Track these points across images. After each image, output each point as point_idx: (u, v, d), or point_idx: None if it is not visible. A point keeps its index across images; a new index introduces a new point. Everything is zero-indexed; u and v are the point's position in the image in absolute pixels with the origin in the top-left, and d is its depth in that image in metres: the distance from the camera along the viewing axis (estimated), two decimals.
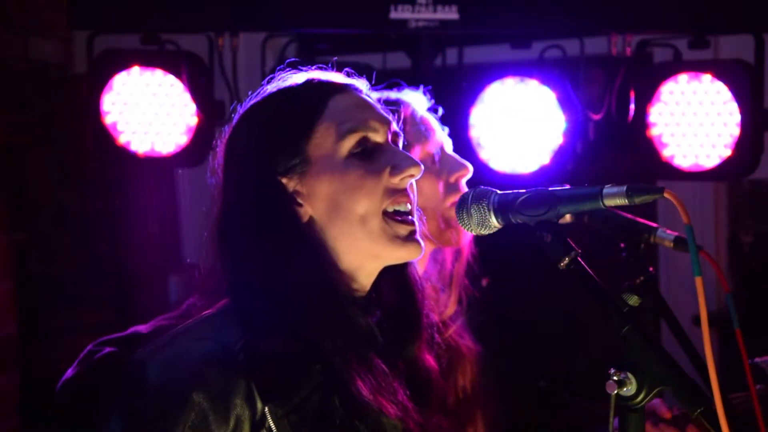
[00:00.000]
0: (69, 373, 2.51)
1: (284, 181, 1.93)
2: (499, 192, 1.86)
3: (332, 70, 2.07)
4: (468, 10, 3.52)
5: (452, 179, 2.63)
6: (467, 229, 1.88)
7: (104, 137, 3.70)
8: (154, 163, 3.80)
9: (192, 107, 3.68)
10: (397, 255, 1.94)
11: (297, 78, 2.04)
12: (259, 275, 1.88)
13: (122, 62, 3.68)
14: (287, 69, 2.07)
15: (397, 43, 3.86)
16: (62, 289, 4.61)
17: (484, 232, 1.87)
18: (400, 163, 1.93)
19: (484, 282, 4.51)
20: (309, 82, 2.02)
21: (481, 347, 2.84)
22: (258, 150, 1.95)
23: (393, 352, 1.99)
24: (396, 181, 1.92)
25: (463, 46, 3.97)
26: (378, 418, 1.87)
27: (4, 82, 4.43)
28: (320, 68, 2.06)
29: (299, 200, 1.92)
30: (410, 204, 1.95)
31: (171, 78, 3.67)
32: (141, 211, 4.57)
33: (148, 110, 3.70)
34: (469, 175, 2.64)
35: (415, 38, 3.73)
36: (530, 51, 3.79)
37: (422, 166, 1.95)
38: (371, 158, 1.93)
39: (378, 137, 1.95)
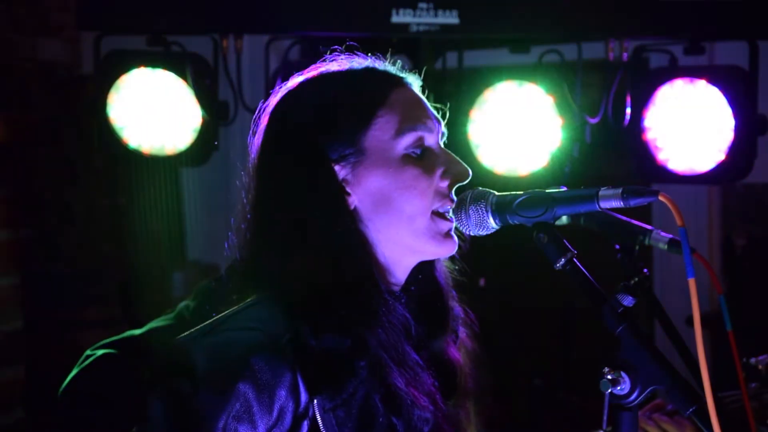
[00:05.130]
0: (69, 376, 2.55)
1: (336, 168, 1.91)
2: (497, 193, 1.89)
3: (385, 60, 2.04)
4: (468, 15, 3.56)
5: None
6: (465, 230, 1.91)
7: (110, 136, 3.74)
8: (159, 162, 3.84)
9: (196, 108, 3.72)
10: (436, 251, 1.95)
11: (355, 62, 2.00)
12: (307, 266, 1.87)
13: (128, 63, 3.72)
14: (345, 52, 2.02)
15: (398, 46, 3.88)
16: (67, 286, 4.63)
17: (482, 232, 1.90)
18: (451, 167, 1.94)
19: (481, 282, 4.56)
20: (371, 70, 1.99)
21: (477, 345, 2.86)
22: (313, 134, 1.91)
23: (422, 343, 2.00)
24: (445, 184, 1.93)
25: (463, 50, 4.00)
26: (411, 413, 1.88)
27: (12, 81, 4.46)
28: (377, 57, 2.03)
29: (347, 189, 1.91)
30: (452, 204, 1.95)
31: (176, 79, 3.72)
32: (146, 209, 4.59)
33: (154, 110, 3.73)
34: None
35: (416, 42, 3.76)
36: (529, 55, 3.82)
37: (470, 171, 1.97)
38: (424, 158, 1.93)
39: (431, 138, 1.95)
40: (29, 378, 4.36)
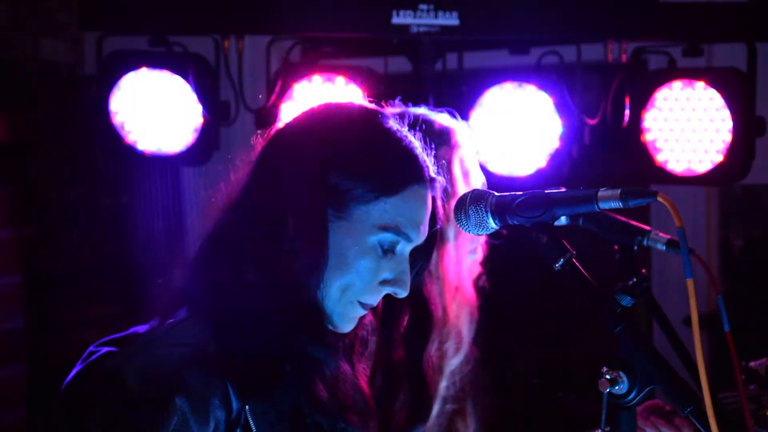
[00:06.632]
0: (71, 373, 2.58)
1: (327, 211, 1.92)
2: (496, 194, 1.89)
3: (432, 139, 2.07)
4: (468, 17, 3.58)
5: None
6: (465, 230, 1.91)
7: (112, 136, 3.76)
8: (160, 162, 3.87)
9: (198, 108, 3.74)
10: (336, 325, 1.97)
11: (406, 132, 2.01)
12: (261, 277, 1.90)
13: (131, 63, 3.74)
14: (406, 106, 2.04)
15: (398, 47, 3.90)
16: (69, 284, 4.65)
17: (482, 233, 1.90)
18: (397, 282, 1.96)
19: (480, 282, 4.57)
20: (412, 155, 1.99)
21: (476, 344, 2.87)
22: (329, 165, 1.92)
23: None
24: (382, 288, 1.96)
25: (463, 52, 4.01)
26: (336, 415, 1.92)
27: (15, 81, 4.47)
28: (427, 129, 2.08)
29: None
30: (377, 301, 2.00)
31: (178, 79, 3.73)
32: (147, 208, 4.61)
33: (156, 110, 3.76)
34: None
35: (417, 43, 3.77)
36: (528, 57, 3.83)
37: (407, 292, 1.99)
38: (385, 257, 1.95)
39: (406, 247, 1.97)
40: (31, 376, 4.37)
